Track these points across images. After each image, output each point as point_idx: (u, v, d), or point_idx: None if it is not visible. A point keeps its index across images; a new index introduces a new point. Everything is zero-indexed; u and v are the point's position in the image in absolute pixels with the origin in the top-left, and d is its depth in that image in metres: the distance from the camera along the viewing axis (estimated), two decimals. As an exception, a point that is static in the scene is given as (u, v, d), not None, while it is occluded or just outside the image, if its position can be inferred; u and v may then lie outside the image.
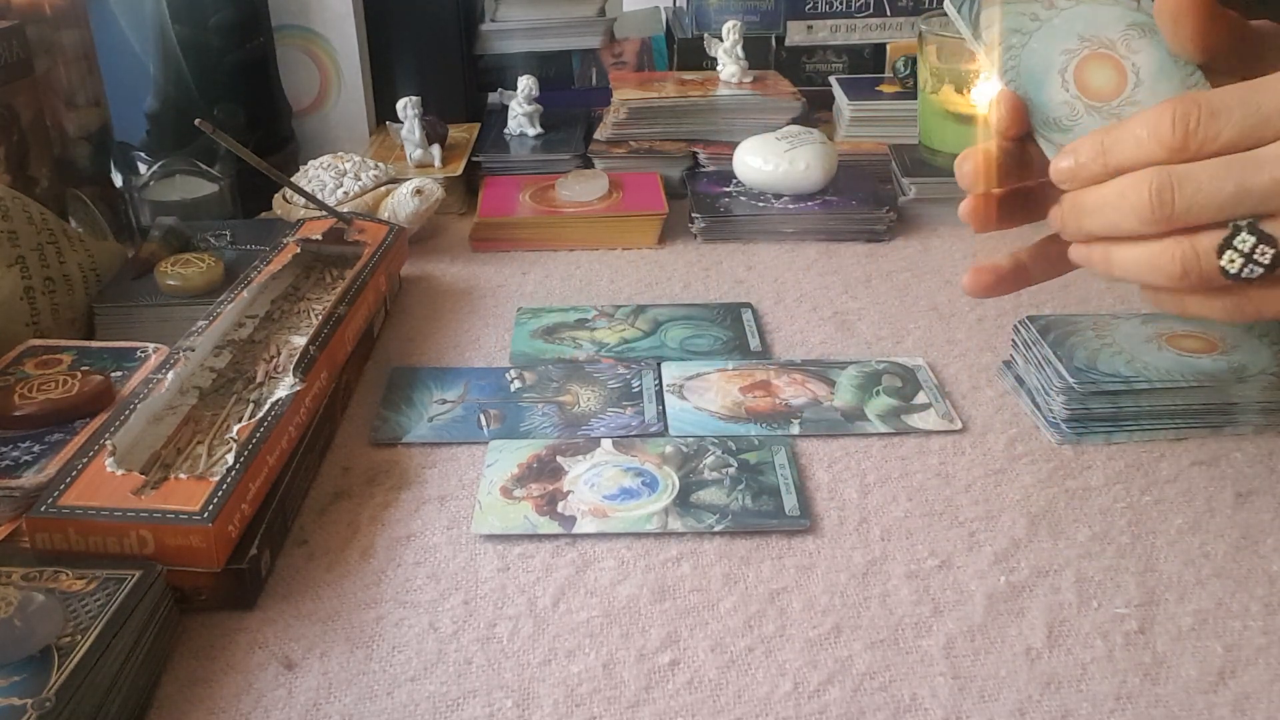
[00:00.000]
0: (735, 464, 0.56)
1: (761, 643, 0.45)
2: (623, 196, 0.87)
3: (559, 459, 0.57)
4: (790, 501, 0.53)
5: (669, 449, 0.58)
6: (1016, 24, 0.49)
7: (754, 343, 0.69)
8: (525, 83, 0.98)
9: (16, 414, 0.54)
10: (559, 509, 0.53)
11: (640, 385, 0.64)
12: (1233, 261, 0.43)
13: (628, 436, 0.59)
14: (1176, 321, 0.63)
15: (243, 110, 0.89)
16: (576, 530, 0.52)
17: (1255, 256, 0.43)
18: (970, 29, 0.50)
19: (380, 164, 0.87)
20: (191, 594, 0.46)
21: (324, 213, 0.76)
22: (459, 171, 0.91)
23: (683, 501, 0.53)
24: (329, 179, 0.83)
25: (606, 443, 0.58)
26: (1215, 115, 0.43)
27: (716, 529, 0.52)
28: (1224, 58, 0.46)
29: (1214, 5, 0.46)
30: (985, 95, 0.51)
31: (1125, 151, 0.44)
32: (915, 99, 0.93)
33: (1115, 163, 0.45)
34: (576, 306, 0.74)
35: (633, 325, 0.71)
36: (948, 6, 0.51)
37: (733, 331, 0.70)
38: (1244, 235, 0.43)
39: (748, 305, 0.74)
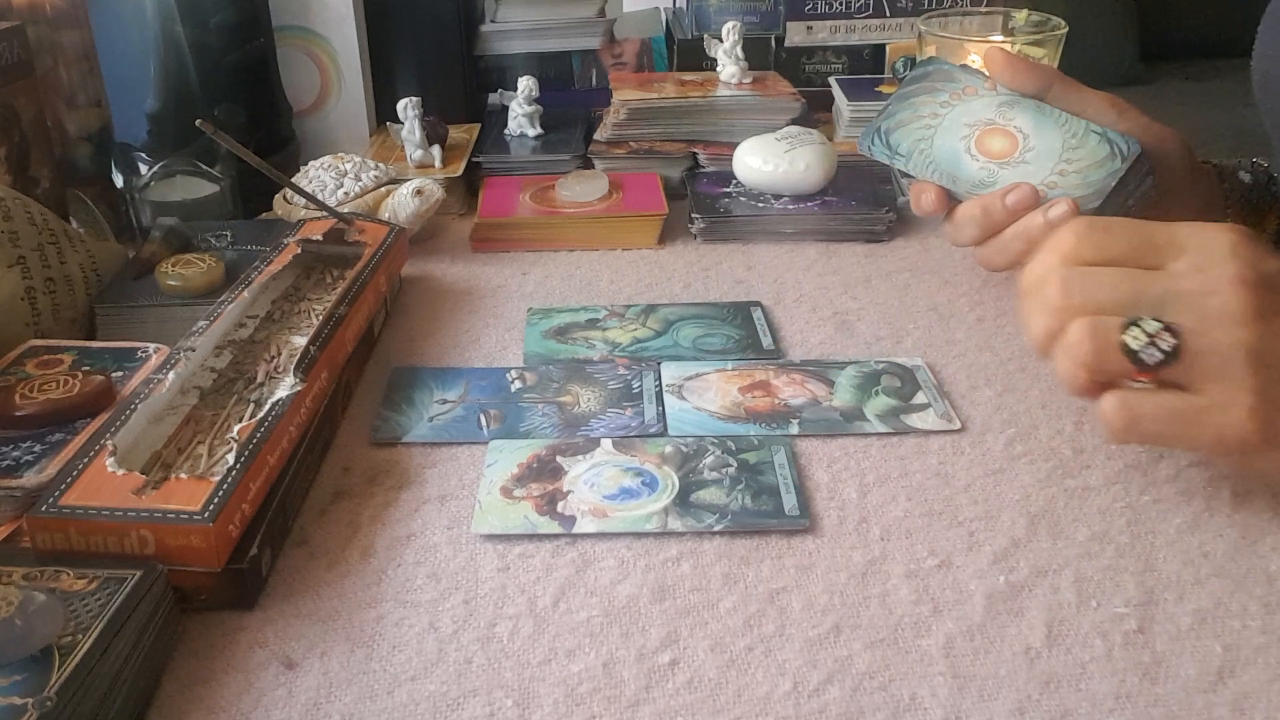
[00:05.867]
0: (735, 464, 0.56)
1: (761, 642, 0.45)
2: (623, 197, 0.87)
3: (559, 459, 0.57)
4: (790, 501, 0.53)
5: (669, 449, 0.58)
6: (919, 135, 0.64)
7: (766, 341, 0.69)
8: (525, 83, 0.98)
9: (17, 414, 0.54)
10: (559, 509, 0.53)
11: (640, 386, 0.64)
12: (1136, 338, 0.46)
13: (627, 437, 0.59)
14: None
15: (243, 111, 0.89)
16: (576, 530, 0.52)
17: (1157, 340, 0.45)
18: (888, 154, 0.64)
19: (380, 164, 0.87)
20: (192, 594, 0.46)
21: (324, 213, 0.76)
22: (459, 172, 0.91)
23: (682, 501, 0.53)
24: (329, 179, 0.83)
25: (606, 443, 0.58)
26: (1109, 230, 0.48)
27: (716, 529, 0.52)
28: (1057, 96, 0.61)
29: (1022, 57, 0.63)
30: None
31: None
32: (915, 99, 0.93)
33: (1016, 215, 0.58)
34: (587, 306, 0.74)
35: (644, 325, 0.71)
36: (862, 149, 0.66)
37: (744, 330, 0.70)
38: (1150, 321, 0.46)
39: (757, 304, 0.74)
